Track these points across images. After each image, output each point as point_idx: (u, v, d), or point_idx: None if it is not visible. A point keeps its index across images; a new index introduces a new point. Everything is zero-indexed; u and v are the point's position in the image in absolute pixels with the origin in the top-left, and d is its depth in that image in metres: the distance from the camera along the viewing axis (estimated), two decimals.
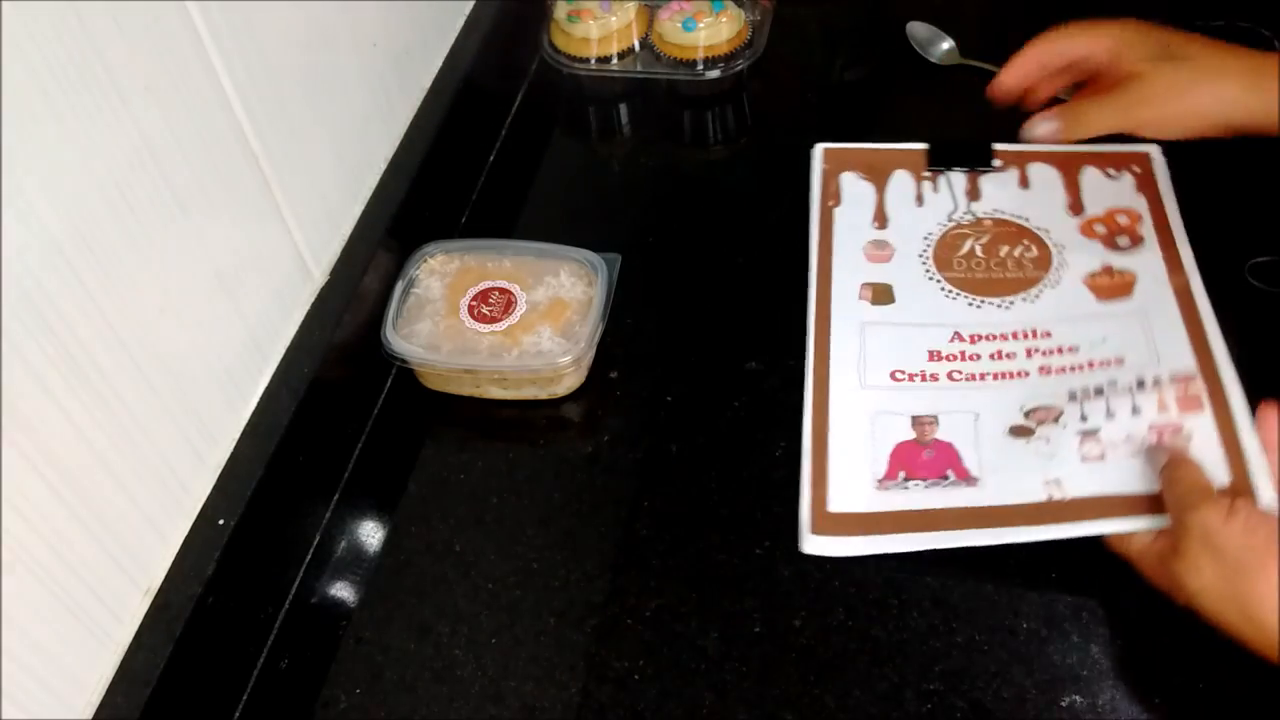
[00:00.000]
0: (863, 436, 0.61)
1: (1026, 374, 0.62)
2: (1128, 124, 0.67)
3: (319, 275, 0.65)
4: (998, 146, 0.75)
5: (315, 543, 0.62)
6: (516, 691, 0.55)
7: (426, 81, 0.78)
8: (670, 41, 0.87)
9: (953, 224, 0.72)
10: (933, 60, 0.87)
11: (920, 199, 0.74)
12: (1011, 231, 0.71)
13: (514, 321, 0.66)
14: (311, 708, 0.55)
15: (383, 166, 0.72)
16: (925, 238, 0.71)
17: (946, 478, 0.58)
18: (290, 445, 0.58)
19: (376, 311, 0.67)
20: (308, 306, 0.63)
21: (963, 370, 0.63)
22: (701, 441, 0.64)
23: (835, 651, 0.54)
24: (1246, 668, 0.48)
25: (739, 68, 0.86)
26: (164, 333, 0.50)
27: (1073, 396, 0.59)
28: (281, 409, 0.58)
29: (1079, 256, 0.69)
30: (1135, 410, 0.57)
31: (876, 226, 0.72)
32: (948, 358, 0.64)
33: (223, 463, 0.56)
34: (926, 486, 0.58)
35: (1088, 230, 0.70)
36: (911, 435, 0.60)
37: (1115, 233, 0.70)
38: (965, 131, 0.79)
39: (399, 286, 0.68)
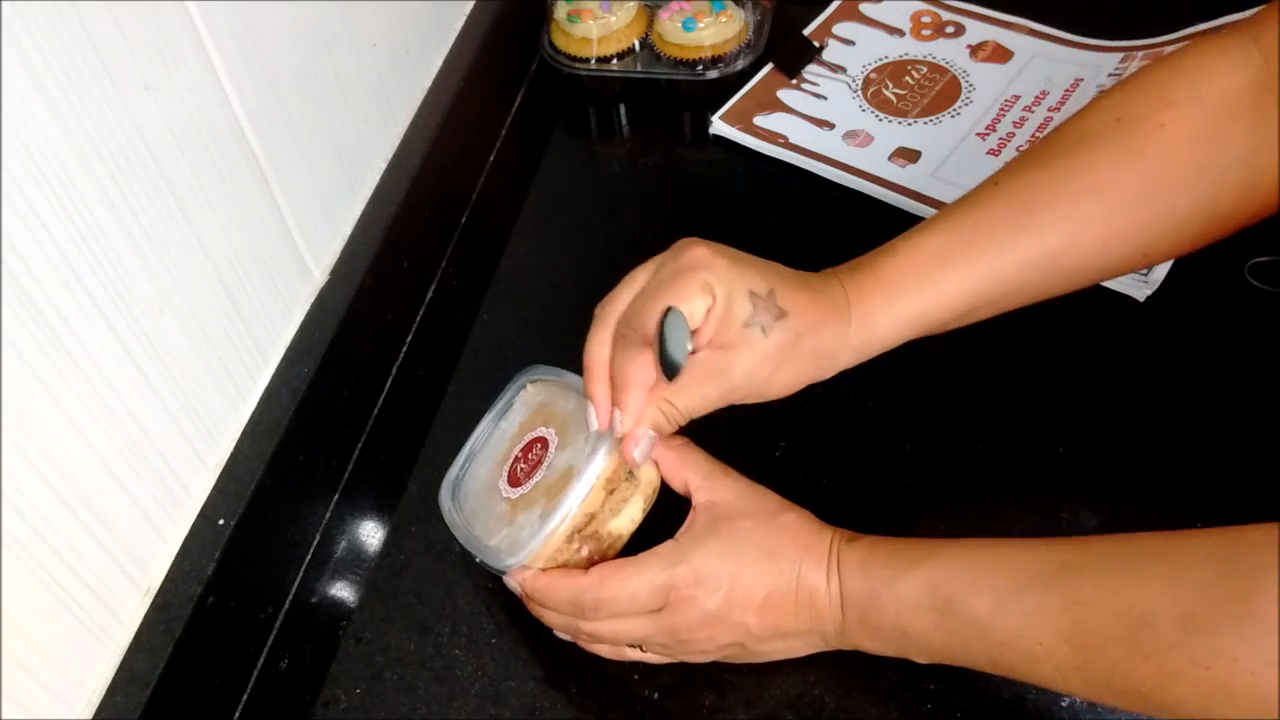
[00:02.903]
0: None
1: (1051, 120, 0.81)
2: (728, 402, 0.52)
3: (319, 275, 0.65)
4: (808, 31, 0.91)
5: (315, 543, 0.62)
6: (516, 691, 0.55)
7: (426, 81, 0.78)
8: (670, 41, 0.87)
9: (857, 93, 0.86)
10: None
11: (820, 96, 0.86)
12: (889, 70, 0.87)
13: (526, 491, 0.54)
14: (311, 708, 0.55)
15: (383, 166, 0.72)
16: (861, 109, 0.84)
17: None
18: (290, 445, 0.58)
19: (377, 311, 0.67)
20: (308, 306, 0.63)
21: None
22: (701, 441, 0.64)
23: (835, 651, 0.54)
24: None
25: (739, 68, 0.86)
26: (164, 333, 0.50)
27: None
28: (281, 409, 0.58)
29: (946, 51, 0.87)
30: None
31: (830, 129, 0.83)
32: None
33: (223, 463, 0.56)
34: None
35: (918, 35, 0.89)
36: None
37: (939, 26, 0.89)
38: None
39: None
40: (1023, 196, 0.52)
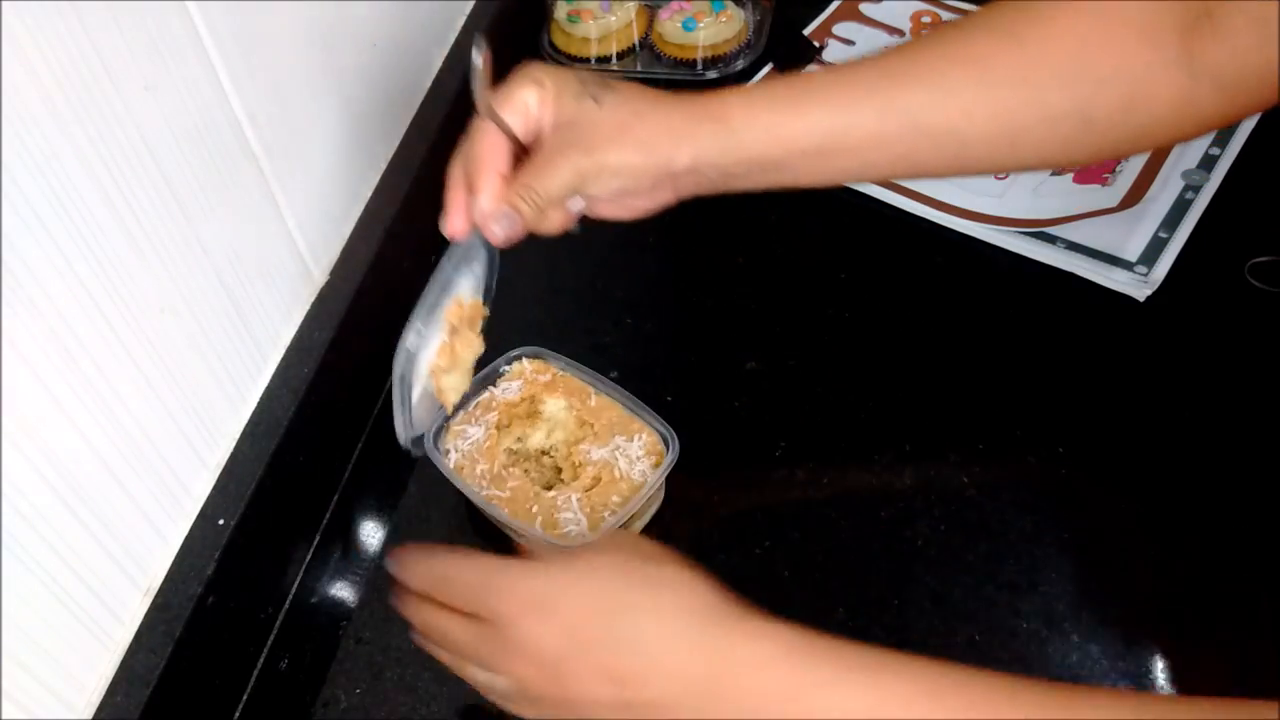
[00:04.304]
0: None
1: None
2: (584, 180, 0.52)
3: (319, 275, 0.65)
4: (808, 31, 0.91)
5: (315, 543, 0.62)
6: None
7: (427, 81, 0.78)
8: (670, 41, 0.87)
9: None
10: None
11: None
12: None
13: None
14: (311, 708, 0.55)
15: (383, 166, 0.72)
16: None
17: None
18: (290, 445, 0.58)
19: (377, 311, 0.67)
20: (308, 306, 0.63)
21: None
22: (701, 441, 0.64)
23: None
24: (1245, 667, 0.49)
25: (739, 68, 0.86)
26: (164, 333, 0.50)
27: None
28: (281, 409, 0.58)
29: None
30: None
31: None
32: None
33: (223, 463, 0.56)
34: None
35: (918, 35, 0.89)
36: None
37: (939, 26, 0.83)
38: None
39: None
40: (896, 58, 0.53)
